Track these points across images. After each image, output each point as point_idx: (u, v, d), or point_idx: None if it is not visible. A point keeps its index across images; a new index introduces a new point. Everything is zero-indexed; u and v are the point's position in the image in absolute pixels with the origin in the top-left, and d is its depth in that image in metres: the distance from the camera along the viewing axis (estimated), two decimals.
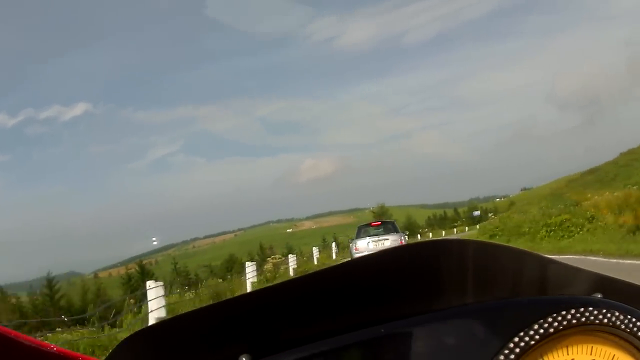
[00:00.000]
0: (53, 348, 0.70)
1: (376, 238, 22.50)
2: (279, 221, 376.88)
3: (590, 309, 0.85)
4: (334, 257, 42.33)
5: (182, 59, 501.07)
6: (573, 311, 0.85)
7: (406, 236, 25.70)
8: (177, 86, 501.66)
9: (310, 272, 0.94)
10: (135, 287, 46.08)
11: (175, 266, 72.46)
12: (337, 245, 47.25)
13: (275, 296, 0.94)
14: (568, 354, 0.86)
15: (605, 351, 0.86)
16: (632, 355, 0.86)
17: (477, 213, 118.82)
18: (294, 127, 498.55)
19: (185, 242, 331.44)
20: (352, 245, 23.19)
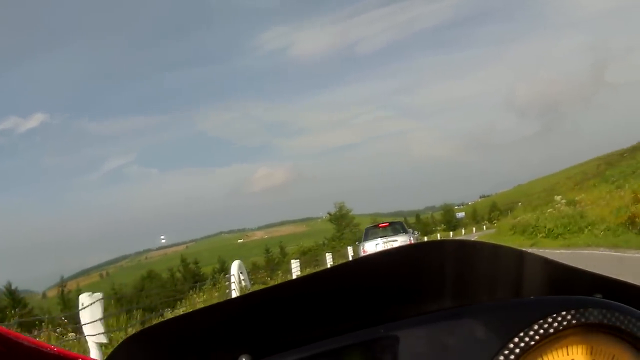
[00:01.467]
0: (53, 348, 0.70)
1: (384, 239, 21.73)
2: (230, 232, 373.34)
3: (590, 309, 0.85)
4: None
5: (136, 69, 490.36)
6: (573, 311, 0.85)
7: (417, 235, 25.48)
8: (131, 96, 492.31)
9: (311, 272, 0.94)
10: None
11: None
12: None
13: (275, 296, 0.94)
14: (568, 354, 0.86)
15: (605, 351, 0.86)
16: (632, 355, 0.86)
17: (461, 215, 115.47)
18: (247, 137, 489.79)
19: (138, 254, 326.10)
20: (360, 247, 22.51)
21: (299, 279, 0.94)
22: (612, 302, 0.87)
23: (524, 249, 0.94)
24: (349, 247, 35.75)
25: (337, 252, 43.84)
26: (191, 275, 65.74)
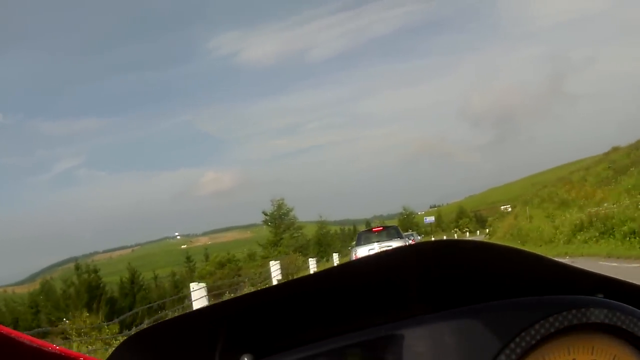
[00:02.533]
0: (54, 348, 0.70)
1: (378, 245, 20.66)
2: (175, 237, 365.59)
3: (592, 309, 0.85)
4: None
5: (87, 70, 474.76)
6: (574, 311, 0.85)
7: (420, 238, 28.00)
8: (82, 99, 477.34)
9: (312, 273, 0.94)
10: None
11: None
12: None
13: (277, 296, 0.94)
14: (569, 354, 0.86)
15: (607, 351, 0.86)
16: (633, 355, 0.86)
17: (430, 219, 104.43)
18: (196, 141, 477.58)
19: (85, 256, 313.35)
20: (353, 253, 21.68)
21: (300, 278, 0.94)
22: (614, 302, 0.87)
23: (525, 249, 0.94)
24: (334, 254, 32.50)
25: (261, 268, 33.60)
26: (86, 289, 53.54)
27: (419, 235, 57.05)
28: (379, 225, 27.09)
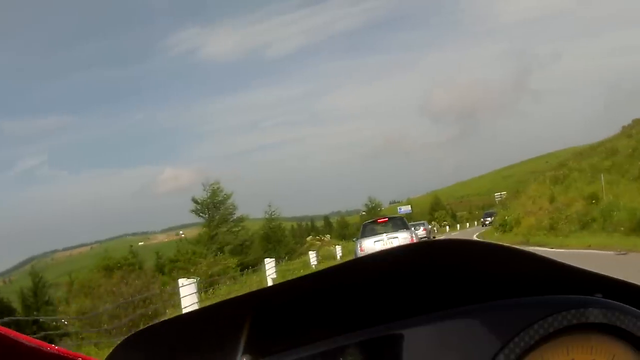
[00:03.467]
0: (53, 348, 0.70)
1: (383, 237, 19.73)
2: (134, 234, 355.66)
3: (591, 308, 0.85)
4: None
5: (46, 69, 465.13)
6: (573, 311, 0.85)
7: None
8: (41, 96, 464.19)
9: (310, 272, 0.95)
10: None
11: None
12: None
13: (276, 296, 0.94)
14: (568, 354, 0.86)
15: (606, 351, 0.86)
16: (632, 355, 0.86)
17: (406, 209, 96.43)
18: (156, 138, 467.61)
19: (45, 254, 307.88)
20: (357, 245, 20.84)
21: (299, 278, 0.94)
22: (613, 301, 0.87)
23: (524, 249, 0.94)
24: (267, 261, 29.25)
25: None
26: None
27: (429, 225, 55.06)
28: (384, 216, 25.80)
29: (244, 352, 0.91)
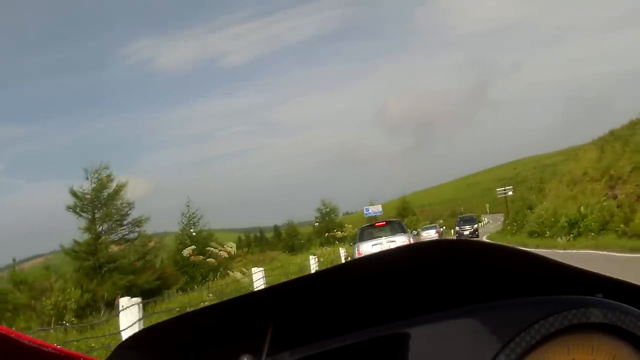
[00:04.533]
0: (54, 348, 0.70)
1: (381, 240, 19.92)
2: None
3: (592, 309, 0.86)
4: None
5: (1, 77, 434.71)
6: (574, 311, 0.86)
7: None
8: None
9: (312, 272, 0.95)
10: None
11: None
12: None
13: (276, 296, 0.95)
14: (569, 354, 0.87)
15: (606, 351, 0.87)
16: (632, 355, 0.86)
17: (376, 211, 79.95)
18: (111, 148, 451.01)
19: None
20: (355, 249, 20.82)
21: (300, 278, 0.94)
22: (613, 301, 0.87)
23: (525, 249, 0.95)
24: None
25: None
26: None
27: (441, 228, 55.36)
28: (382, 220, 26.46)
29: (245, 352, 0.90)
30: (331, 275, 0.94)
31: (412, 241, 19.28)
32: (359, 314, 0.94)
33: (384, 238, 19.95)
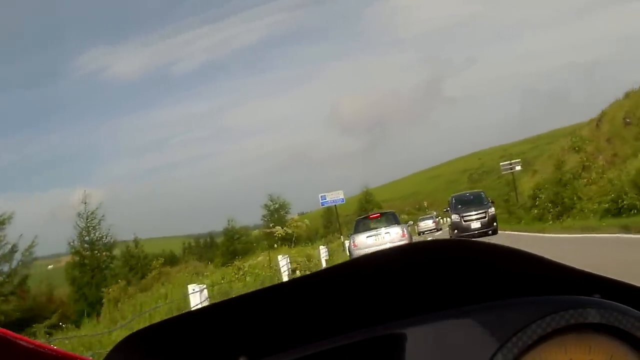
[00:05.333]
0: (52, 348, 0.70)
1: (376, 232, 20.09)
2: (44, 257, 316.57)
3: (589, 309, 0.86)
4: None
5: None
6: (572, 311, 0.86)
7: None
8: None
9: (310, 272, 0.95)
10: None
11: None
12: None
13: (274, 296, 0.95)
14: (566, 354, 0.87)
15: (604, 351, 0.87)
16: (630, 355, 0.87)
17: (333, 198, 68.57)
18: (67, 160, 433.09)
19: None
20: (350, 241, 21.22)
21: (298, 278, 0.94)
22: (611, 302, 0.88)
23: (523, 249, 0.95)
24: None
25: None
26: None
27: (437, 217, 55.76)
28: (376, 212, 26.54)
29: (242, 353, 0.91)
30: (329, 274, 0.94)
31: (406, 232, 19.88)
32: (356, 313, 0.94)
33: (378, 229, 20.11)
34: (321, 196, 41.18)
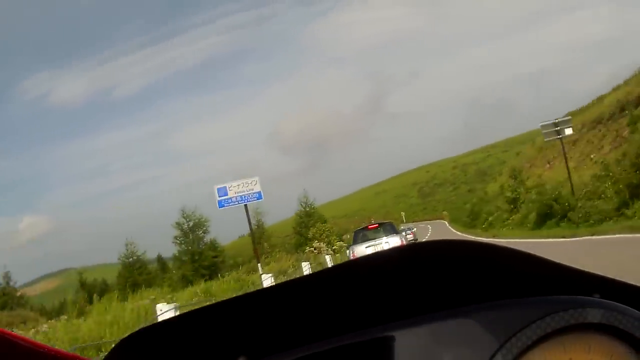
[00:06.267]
0: (50, 349, 0.70)
1: (374, 242, 20.38)
2: None
3: (589, 309, 0.86)
4: None
5: None
6: (571, 311, 0.86)
7: (414, 229, 29.55)
8: None
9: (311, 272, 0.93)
10: None
11: None
12: None
13: (274, 296, 0.95)
14: (566, 354, 0.87)
15: (603, 351, 0.87)
16: (629, 354, 0.87)
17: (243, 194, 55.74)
18: (8, 189, 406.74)
19: None
20: (350, 251, 21.55)
21: (296, 279, 0.95)
22: (611, 302, 0.88)
23: (522, 249, 0.96)
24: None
25: None
26: None
27: (414, 228, 55.40)
28: (375, 222, 26.12)
29: (241, 353, 0.91)
30: (328, 275, 0.95)
31: (404, 241, 20.41)
32: (356, 314, 0.94)
33: (376, 239, 20.47)
34: (218, 190, 23.77)
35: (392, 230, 21.88)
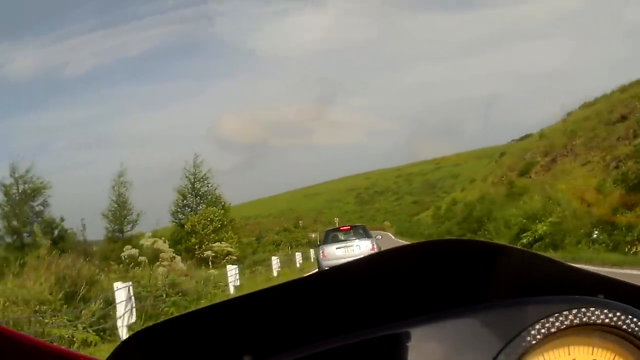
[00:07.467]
0: (52, 346, 0.71)
1: (345, 244, 20.54)
2: None
3: (592, 309, 0.87)
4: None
5: None
6: (575, 311, 0.87)
7: (380, 237, 25.25)
8: None
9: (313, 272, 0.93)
10: None
11: None
12: None
13: (278, 296, 0.94)
14: (569, 354, 0.88)
15: (606, 351, 0.88)
16: (633, 355, 0.88)
17: None
18: None
19: None
20: (320, 251, 21.22)
21: (301, 278, 0.95)
22: (614, 302, 0.89)
23: (526, 249, 0.96)
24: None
25: None
26: None
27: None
28: (347, 225, 26.15)
29: (246, 352, 0.91)
30: (331, 275, 0.94)
31: (375, 245, 20.13)
32: (359, 313, 0.94)
33: (348, 241, 20.57)
34: None
35: (364, 233, 21.84)
